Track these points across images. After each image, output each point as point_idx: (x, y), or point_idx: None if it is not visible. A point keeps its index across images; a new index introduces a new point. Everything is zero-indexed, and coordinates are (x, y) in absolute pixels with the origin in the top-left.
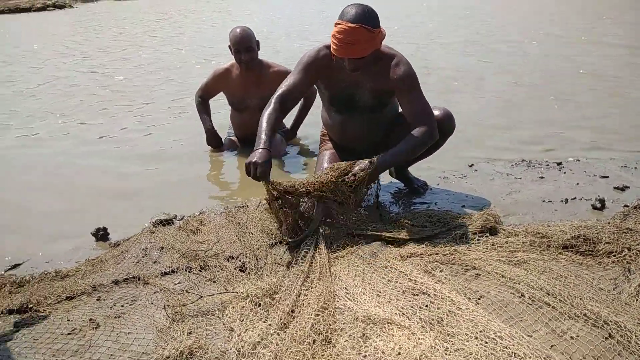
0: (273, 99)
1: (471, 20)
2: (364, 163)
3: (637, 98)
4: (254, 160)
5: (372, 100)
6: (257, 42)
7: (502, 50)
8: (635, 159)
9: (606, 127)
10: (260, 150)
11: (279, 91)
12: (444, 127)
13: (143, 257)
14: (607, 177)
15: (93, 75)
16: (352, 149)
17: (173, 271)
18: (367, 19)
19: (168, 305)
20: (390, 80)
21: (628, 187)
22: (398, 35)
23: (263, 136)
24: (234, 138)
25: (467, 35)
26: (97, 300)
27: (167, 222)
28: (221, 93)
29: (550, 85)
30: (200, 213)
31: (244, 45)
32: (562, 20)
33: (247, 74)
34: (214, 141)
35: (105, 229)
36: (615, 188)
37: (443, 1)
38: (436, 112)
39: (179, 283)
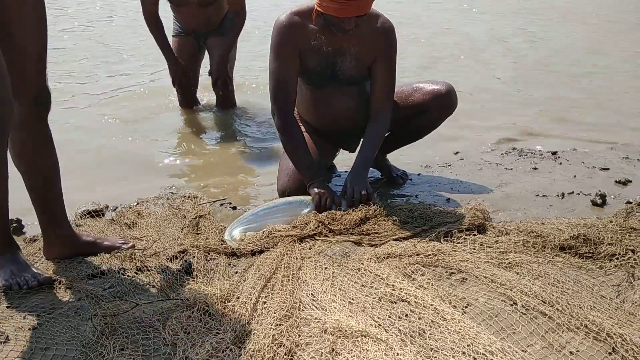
0: (278, 111)
1: None
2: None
3: None
4: (323, 191)
5: (355, 69)
6: None
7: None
8: (638, 149)
9: (607, 113)
10: (318, 181)
11: (275, 96)
12: (447, 103)
13: None
14: (608, 169)
15: None
16: (334, 132)
17: (103, 273)
18: None
19: (96, 315)
20: (376, 44)
21: (630, 181)
22: None
23: (310, 164)
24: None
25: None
26: (7, 308)
27: (97, 214)
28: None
29: (550, 65)
30: (138, 203)
31: None
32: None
33: None
34: (180, 75)
35: (19, 221)
36: (616, 182)
37: None
38: (437, 87)
39: (110, 288)
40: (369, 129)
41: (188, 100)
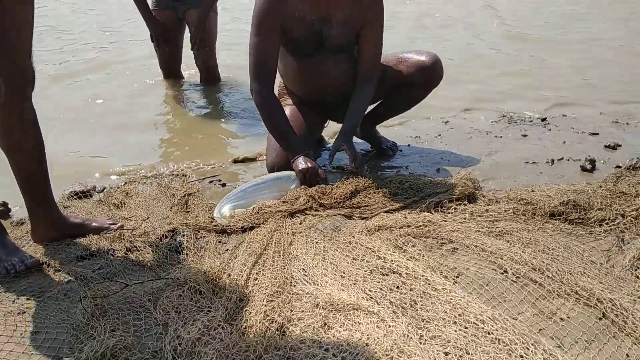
0: (257, 87)
1: None
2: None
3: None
4: (307, 167)
5: (343, 36)
6: None
7: None
8: (626, 113)
9: (595, 78)
10: (302, 156)
11: (255, 74)
12: (432, 75)
13: None
14: (597, 134)
15: None
16: (321, 102)
17: (92, 254)
18: None
19: (86, 297)
20: (363, 8)
21: (620, 145)
22: None
23: (292, 140)
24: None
25: None
26: None
27: (84, 195)
28: None
29: (536, 33)
30: (126, 183)
31: None
32: None
33: None
34: (159, 28)
35: (5, 204)
36: (606, 147)
37: None
38: (421, 58)
39: (99, 269)
40: (355, 95)
41: (172, 73)
